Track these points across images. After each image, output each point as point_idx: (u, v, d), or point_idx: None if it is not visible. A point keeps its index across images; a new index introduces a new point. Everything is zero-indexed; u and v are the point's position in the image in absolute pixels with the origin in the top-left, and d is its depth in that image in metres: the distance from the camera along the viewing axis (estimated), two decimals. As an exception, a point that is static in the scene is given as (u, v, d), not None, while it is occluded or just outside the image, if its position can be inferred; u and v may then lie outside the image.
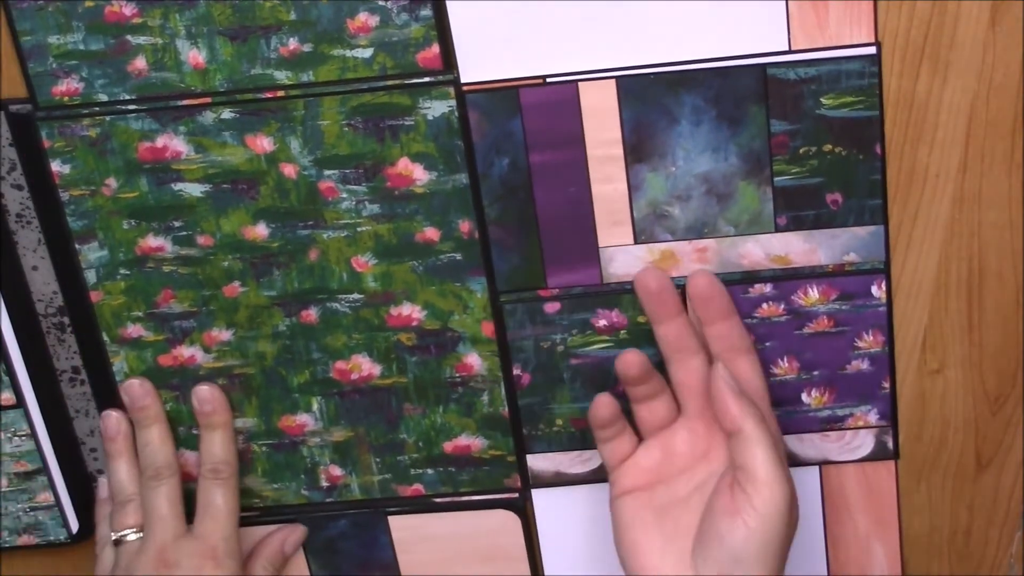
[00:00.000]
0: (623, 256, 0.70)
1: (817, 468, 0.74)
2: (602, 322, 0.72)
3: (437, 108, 0.67)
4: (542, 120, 0.67)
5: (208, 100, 0.68)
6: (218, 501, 0.74)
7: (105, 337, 0.74)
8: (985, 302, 0.69)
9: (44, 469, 0.76)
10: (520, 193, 0.69)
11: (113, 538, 0.74)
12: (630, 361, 0.68)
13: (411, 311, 0.72)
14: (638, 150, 0.68)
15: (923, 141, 0.66)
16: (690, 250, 0.70)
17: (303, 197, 0.70)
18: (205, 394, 0.74)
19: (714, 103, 0.66)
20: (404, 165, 0.69)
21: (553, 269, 0.71)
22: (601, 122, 0.67)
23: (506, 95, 0.67)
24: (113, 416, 0.75)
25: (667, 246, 0.70)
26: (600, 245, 0.70)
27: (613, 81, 0.66)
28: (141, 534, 0.73)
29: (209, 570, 0.72)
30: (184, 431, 0.76)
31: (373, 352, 0.73)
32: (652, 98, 0.66)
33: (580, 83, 0.66)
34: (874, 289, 0.69)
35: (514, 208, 0.69)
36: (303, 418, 0.76)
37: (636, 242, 0.70)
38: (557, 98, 0.67)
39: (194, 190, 0.70)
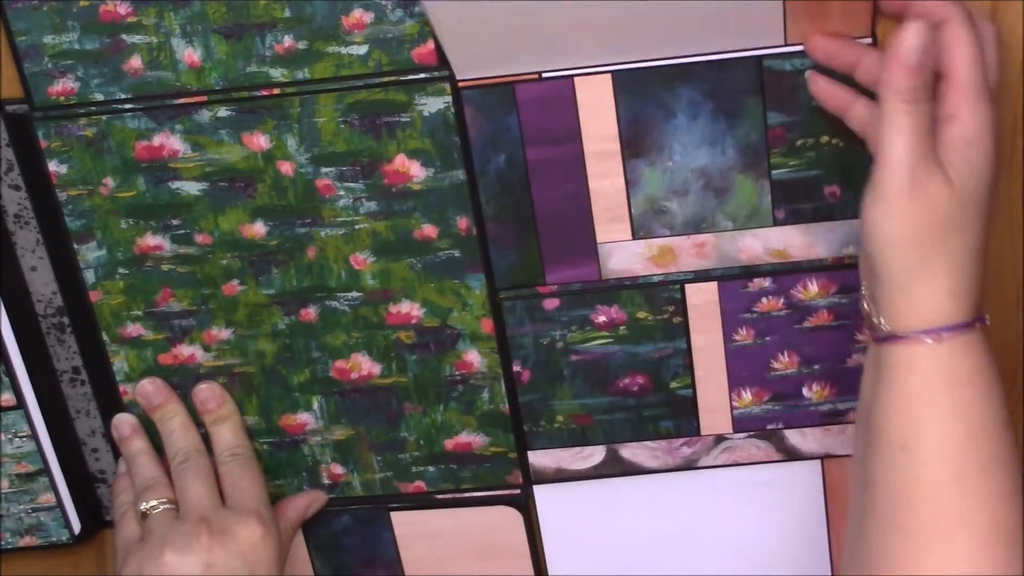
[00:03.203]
0: (621, 252, 0.70)
1: (819, 462, 0.74)
2: (601, 318, 0.71)
3: (433, 104, 0.67)
4: (538, 116, 0.67)
5: (204, 98, 0.68)
6: (245, 476, 0.73)
7: (105, 337, 0.74)
8: (985, 302, 0.69)
9: (45, 470, 0.76)
10: (517, 190, 0.69)
11: (142, 509, 0.72)
12: None
13: (410, 309, 0.72)
14: (635, 145, 0.67)
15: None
16: (688, 245, 0.69)
17: (300, 195, 0.70)
18: (205, 393, 0.75)
19: (710, 96, 0.66)
20: (401, 162, 0.69)
21: (551, 266, 0.70)
22: (597, 117, 0.67)
23: (502, 91, 0.67)
24: (124, 419, 0.76)
25: (665, 241, 0.69)
26: (599, 241, 0.70)
27: (609, 76, 0.66)
28: (171, 506, 0.72)
29: (260, 534, 0.71)
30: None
31: (373, 351, 0.73)
32: (648, 92, 0.66)
33: (576, 78, 0.66)
34: (874, 282, 0.69)
35: (511, 205, 0.69)
36: (304, 417, 0.75)
37: (634, 237, 0.69)
38: (553, 94, 0.67)
39: (191, 188, 0.70)
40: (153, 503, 0.72)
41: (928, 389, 0.59)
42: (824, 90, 0.65)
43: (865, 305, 0.62)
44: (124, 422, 0.76)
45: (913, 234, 0.57)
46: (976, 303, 0.59)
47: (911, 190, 0.56)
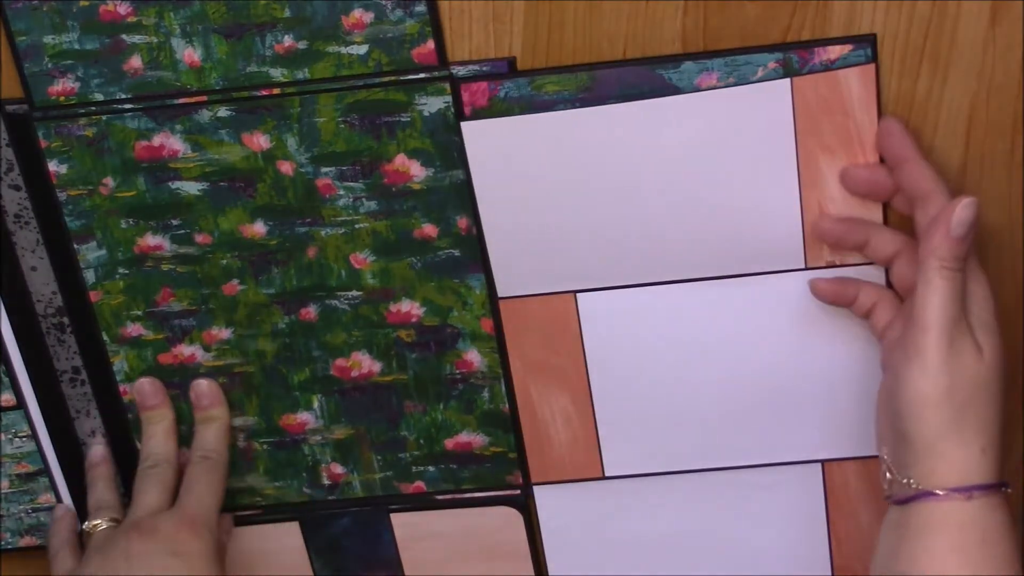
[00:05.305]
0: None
1: (819, 465, 0.74)
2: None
3: (433, 104, 0.67)
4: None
5: (204, 98, 0.68)
6: (202, 480, 0.74)
7: (105, 337, 0.74)
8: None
9: (45, 470, 0.77)
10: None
11: (85, 527, 0.74)
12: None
13: (410, 308, 0.72)
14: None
15: (923, 141, 0.66)
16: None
17: (300, 195, 0.70)
18: (203, 388, 0.75)
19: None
20: (401, 162, 0.69)
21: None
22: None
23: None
24: (99, 449, 0.77)
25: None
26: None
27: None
28: (114, 524, 0.73)
29: (185, 537, 0.71)
30: (185, 429, 0.76)
31: (373, 349, 0.73)
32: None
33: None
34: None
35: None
36: (304, 416, 0.75)
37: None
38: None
39: (191, 188, 0.70)
40: (97, 522, 0.74)
41: (963, 545, 0.61)
42: (828, 290, 0.68)
43: (886, 468, 0.64)
44: (98, 452, 0.77)
45: (947, 392, 0.60)
46: (1002, 466, 0.62)
47: (947, 349, 0.60)
